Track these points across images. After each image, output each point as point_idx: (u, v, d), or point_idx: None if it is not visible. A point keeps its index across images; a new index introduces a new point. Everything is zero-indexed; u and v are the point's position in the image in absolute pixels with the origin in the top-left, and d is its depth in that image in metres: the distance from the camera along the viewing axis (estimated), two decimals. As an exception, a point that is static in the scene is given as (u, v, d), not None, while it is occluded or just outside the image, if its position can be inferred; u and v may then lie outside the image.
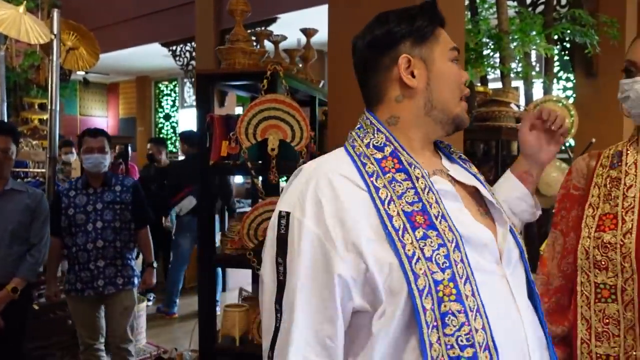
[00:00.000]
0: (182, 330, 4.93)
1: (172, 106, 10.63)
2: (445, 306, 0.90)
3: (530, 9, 4.00)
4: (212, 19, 6.81)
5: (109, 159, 3.26)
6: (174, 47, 7.74)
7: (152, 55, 8.44)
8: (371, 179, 0.99)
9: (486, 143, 3.60)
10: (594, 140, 2.93)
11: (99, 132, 3.30)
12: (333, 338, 0.94)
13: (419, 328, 0.90)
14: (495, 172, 3.06)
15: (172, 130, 10.59)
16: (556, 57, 4.25)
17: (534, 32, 3.60)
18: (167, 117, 10.67)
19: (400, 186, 0.98)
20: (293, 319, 0.94)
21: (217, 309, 3.48)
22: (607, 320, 1.17)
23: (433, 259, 0.92)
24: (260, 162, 2.19)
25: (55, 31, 4.59)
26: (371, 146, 1.04)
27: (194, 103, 8.96)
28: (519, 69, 3.79)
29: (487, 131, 3.21)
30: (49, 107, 4.71)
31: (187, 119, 9.94)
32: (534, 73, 4.12)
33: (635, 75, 1.19)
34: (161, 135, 10.51)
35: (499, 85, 4.01)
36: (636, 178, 1.20)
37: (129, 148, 6.09)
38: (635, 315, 1.13)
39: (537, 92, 4.10)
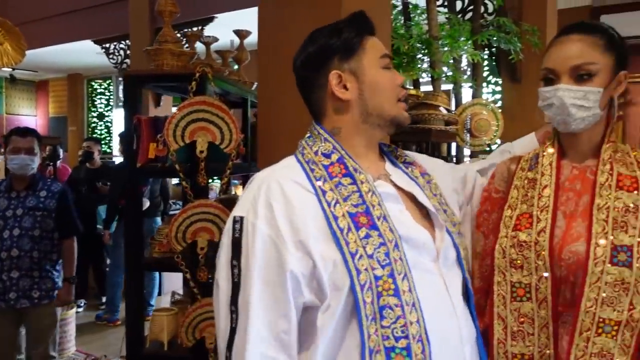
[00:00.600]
0: (115, 337, 4.79)
1: (107, 105, 10.30)
2: (383, 300, 0.98)
3: (459, 15, 4.14)
4: (147, 16, 6.65)
5: (37, 161, 3.05)
6: (108, 45, 7.51)
7: (84, 53, 8.15)
8: (319, 183, 1.07)
9: (418, 145, 3.69)
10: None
11: (29, 131, 3.07)
12: (288, 332, 1.01)
13: (359, 320, 0.97)
14: (424, 173, 3.15)
15: (106, 130, 10.26)
16: (485, 63, 4.42)
17: (463, 38, 3.72)
18: (101, 116, 10.34)
19: (346, 189, 1.07)
20: (249, 317, 1.00)
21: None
22: (522, 319, 1.18)
23: (374, 257, 1.01)
24: (189, 164, 2.16)
25: (-25, 25, 4.38)
26: (319, 153, 1.12)
27: (129, 102, 8.71)
28: (450, 73, 3.91)
29: (418, 133, 3.29)
30: (-30, 105, 4.48)
31: (122, 119, 9.66)
32: (465, 77, 4.26)
33: (555, 83, 1.21)
34: (94, 135, 10.17)
35: (430, 88, 4.13)
36: (551, 178, 1.24)
37: (59, 149, 5.83)
38: (549, 313, 1.16)
39: (467, 95, 4.24)
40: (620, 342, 1.12)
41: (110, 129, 10.14)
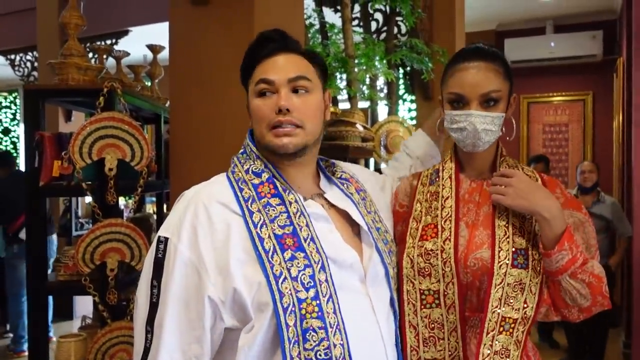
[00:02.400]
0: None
1: (12, 120, 9.73)
2: (307, 323, 0.98)
3: (374, 35, 4.27)
4: (56, 27, 6.36)
5: None
6: (13, 56, 7.12)
7: (-14, 63, 7.68)
8: (247, 203, 1.06)
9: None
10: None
11: None
12: (200, 357, 1.01)
13: (281, 342, 0.97)
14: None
15: (12, 146, 9.68)
16: (401, 81, 4.57)
17: (377, 57, 3.84)
18: (6, 131, 9.74)
19: (274, 210, 1.06)
20: (161, 339, 0.99)
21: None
22: (433, 325, 1.23)
23: (298, 279, 1.00)
24: (97, 182, 2.07)
25: None
26: (250, 172, 1.12)
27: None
28: (366, 91, 4.01)
29: (335, 149, 3.33)
30: None
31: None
32: (382, 95, 4.39)
33: (465, 108, 1.27)
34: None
35: (348, 105, 4.21)
36: (452, 191, 1.32)
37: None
38: (457, 317, 1.21)
39: (383, 113, 4.36)
40: (515, 338, 1.20)
41: (17, 144, 9.58)
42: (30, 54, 7.03)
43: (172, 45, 2.03)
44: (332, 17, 4.09)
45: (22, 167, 7.09)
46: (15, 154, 9.50)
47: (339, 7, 4.08)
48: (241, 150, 1.18)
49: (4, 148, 9.64)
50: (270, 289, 0.98)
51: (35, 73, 7.04)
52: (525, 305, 1.21)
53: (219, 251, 1.01)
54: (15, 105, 9.70)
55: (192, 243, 1.02)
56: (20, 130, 9.52)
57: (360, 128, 3.53)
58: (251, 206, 1.06)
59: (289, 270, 1.00)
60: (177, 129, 2.07)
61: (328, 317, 0.99)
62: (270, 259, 1.01)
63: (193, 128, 1.94)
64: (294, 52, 1.16)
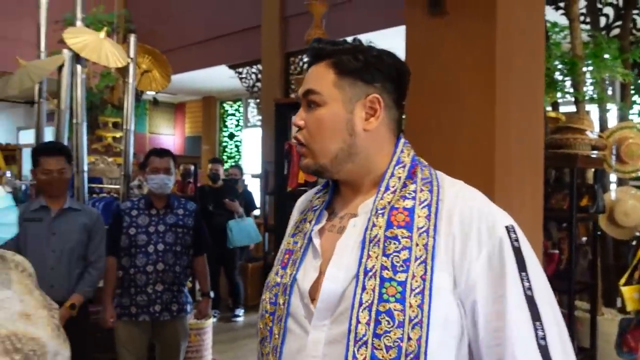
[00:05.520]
0: (248, 348, 5.01)
1: (237, 126, 10.90)
2: (265, 331, 1.04)
3: (604, 32, 3.89)
4: (277, 42, 6.98)
5: (173, 180, 3.16)
6: (241, 70, 7.96)
7: (218, 77, 8.71)
8: (303, 213, 1.12)
9: (557, 169, 3.50)
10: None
11: (165, 152, 3.16)
12: None
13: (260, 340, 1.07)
14: (570, 201, 2.97)
15: (236, 149, 10.85)
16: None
17: (609, 57, 3.49)
18: (231, 136, 10.95)
19: (302, 225, 1.09)
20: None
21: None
22: None
23: (272, 292, 1.04)
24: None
25: (132, 55, 4.82)
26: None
27: (258, 123, 9.19)
28: (594, 95, 3.68)
29: (561, 159, 3.12)
30: (124, 127, 4.91)
31: (251, 138, 10.16)
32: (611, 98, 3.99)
33: None
34: (225, 154, 10.79)
35: (567, 109, 3.90)
36: None
37: (197, 168, 6.22)
38: None
39: (611, 117, 3.96)
40: None
41: (240, 148, 10.70)
42: (254, 67, 7.79)
43: (408, 54, 2.07)
44: (552, 15, 3.82)
45: (245, 168, 7.91)
46: (238, 156, 10.63)
47: (561, 4, 3.80)
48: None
49: (229, 151, 10.85)
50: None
51: (258, 84, 7.78)
52: None
53: None
54: (239, 112, 10.85)
55: None
56: (243, 135, 10.63)
57: (591, 135, 3.24)
58: (304, 214, 1.10)
59: (273, 281, 1.05)
60: (412, 135, 2.12)
61: (274, 339, 1.00)
62: (275, 269, 1.07)
63: (427, 135, 1.97)
64: (321, 59, 1.04)
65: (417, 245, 0.93)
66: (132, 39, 4.85)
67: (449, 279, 0.92)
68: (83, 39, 4.34)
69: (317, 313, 0.96)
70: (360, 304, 0.91)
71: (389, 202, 0.98)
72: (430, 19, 1.94)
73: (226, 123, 11.03)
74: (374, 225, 0.96)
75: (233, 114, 10.98)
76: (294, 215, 1.19)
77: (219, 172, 6.03)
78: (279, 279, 1.04)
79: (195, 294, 5.26)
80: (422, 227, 0.94)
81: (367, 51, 1.02)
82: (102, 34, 4.58)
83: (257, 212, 6.89)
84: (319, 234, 1.04)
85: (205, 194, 5.94)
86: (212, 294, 3.53)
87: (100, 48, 4.36)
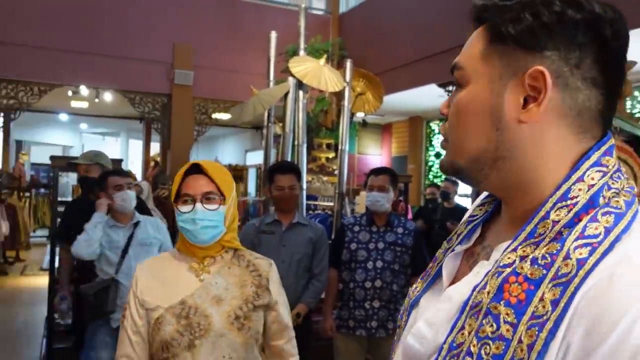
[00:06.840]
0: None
1: (443, 145, 10.79)
2: None
3: None
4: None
5: (390, 198, 3.18)
6: (450, 88, 7.87)
7: (426, 96, 8.72)
8: None
9: None
10: None
11: (383, 170, 3.30)
12: None
13: None
14: None
15: (443, 169, 10.73)
16: None
17: None
18: (438, 155, 10.86)
19: (452, 236, 0.83)
20: None
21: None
22: None
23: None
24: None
25: (347, 79, 5.08)
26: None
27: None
28: None
29: None
30: (339, 147, 5.17)
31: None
32: None
33: None
34: (431, 173, 10.72)
35: None
36: None
37: (407, 186, 6.27)
38: None
39: None
40: None
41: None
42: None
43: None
44: None
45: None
46: (443, 177, 10.49)
47: None
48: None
49: (435, 171, 10.76)
50: None
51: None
52: None
53: None
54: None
55: None
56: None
57: None
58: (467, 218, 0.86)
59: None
60: None
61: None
62: None
63: None
64: (480, 23, 0.74)
65: (519, 342, 0.59)
66: (348, 63, 5.11)
67: None
68: (305, 66, 4.70)
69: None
70: None
71: (523, 259, 0.63)
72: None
73: (432, 142, 10.97)
74: (485, 285, 0.65)
75: (439, 133, 10.89)
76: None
77: (449, 191, 5.75)
78: (411, 292, 0.83)
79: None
80: (539, 317, 0.59)
81: (545, 4, 0.64)
82: (322, 61, 4.90)
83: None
84: (456, 258, 0.78)
85: (434, 213, 5.82)
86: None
87: (320, 74, 4.68)
